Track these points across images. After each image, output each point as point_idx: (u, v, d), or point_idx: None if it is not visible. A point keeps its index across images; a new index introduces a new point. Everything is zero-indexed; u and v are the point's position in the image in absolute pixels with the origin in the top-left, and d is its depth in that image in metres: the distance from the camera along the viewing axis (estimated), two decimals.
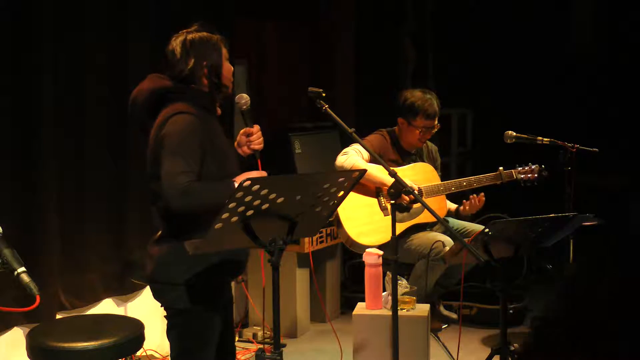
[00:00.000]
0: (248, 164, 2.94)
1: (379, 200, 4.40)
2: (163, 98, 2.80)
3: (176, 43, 2.83)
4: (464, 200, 4.40)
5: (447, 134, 6.67)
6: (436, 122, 4.46)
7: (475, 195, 4.39)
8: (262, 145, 2.96)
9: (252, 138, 2.94)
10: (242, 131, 2.99)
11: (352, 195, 4.30)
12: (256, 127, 2.96)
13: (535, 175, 4.45)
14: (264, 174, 2.80)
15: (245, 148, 2.97)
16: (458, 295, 4.73)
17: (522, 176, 4.45)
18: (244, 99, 2.96)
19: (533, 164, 4.45)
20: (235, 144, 2.99)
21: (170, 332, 2.86)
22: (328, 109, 3.09)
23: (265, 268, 4.59)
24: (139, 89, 2.86)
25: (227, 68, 2.89)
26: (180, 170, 2.63)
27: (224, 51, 2.88)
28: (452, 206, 4.57)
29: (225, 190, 2.67)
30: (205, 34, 2.85)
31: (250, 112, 2.98)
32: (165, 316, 2.86)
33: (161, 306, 2.87)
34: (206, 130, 2.76)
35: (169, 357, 2.91)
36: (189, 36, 2.83)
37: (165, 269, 2.78)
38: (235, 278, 3.05)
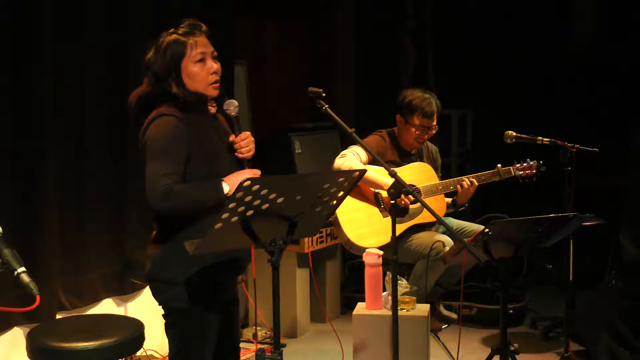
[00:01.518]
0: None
1: (378, 202, 4.40)
2: (153, 101, 2.80)
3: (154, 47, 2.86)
4: (458, 186, 4.41)
5: (447, 134, 6.67)
6: (434, 122, 4.47)
7: (466, 179, 4.40)
8: (250, 154, 2.87)
9: (236, 147, 2.86)
10: (229, 139, 2.91)
11: (350, 198, 4.30)
12: (242, 136, 2.86)
13: (534, 171, 4.46)
14: (257, 172, 2.78)
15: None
16: (458, 295, 4.73)
17: (520, 172, 4.47)
18: (232, 105, 2.89)
19: (531, 160, 4.47)
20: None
21: (168, 331, 2.86)
22: (328, 109, 3.09)
23: (255, 267, 4.56)
24: (132, 94, 2.87)
25: (195, 70, 2.80)
26: (162, 173, 2.64)
27: (190, 51, 2.80)
28: (448, 200, 4.57)
29: (211, 189, 2.68)
30: (172, 36, 2.82)
31: (238, 119, 2.90)
32: (163, 315, 2.87)
33: (159, 304, 2.88)
34: (192, 130, 2.73)
35: (169, 357, 2.91)
36: (160, 40, 2.83)
37: (161, 268, 2.79)
38: (236, 277, 3.04)
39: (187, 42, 2.81)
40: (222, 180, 2.71)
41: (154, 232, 2.84)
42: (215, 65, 2.84)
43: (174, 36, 2.82)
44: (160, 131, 2.70)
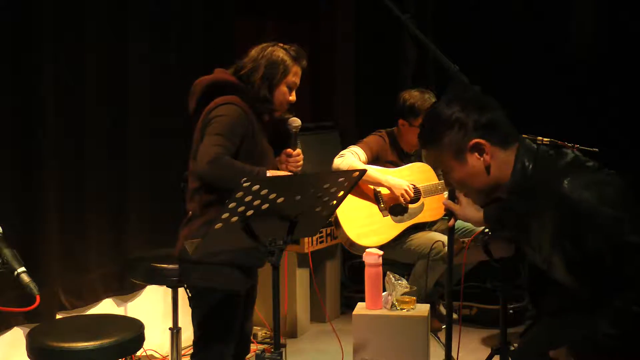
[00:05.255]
0: None
1: (377, 201, 4.40)
2: (220, 89, 3.00)
3: (259, 47, 3.09)
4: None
5: None
6: None
7: None
8: (299, 169, 3.16)
9: (291, 160, 3.14)
10: (284, 150, 3.18)
11: (351, 196, 4.30)
12: (297, 151, 3.16)
13: None
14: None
15: (283, 166, 3.16)
16: (458, 295, 4.73)
17: None
18: (296, 122, 3.17)
19: None
20: (278, 159, 3.17)
21: (194, 312, 2.99)
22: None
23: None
24: (201, 78, 3.07)
25: (283, 91, 3.08)
26: (216, 144, 2.83)
27: (291, 77, 3.09)
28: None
29: (255, 172, 2.86)
30: (285, 54, 3.09)
31: (297, 136, 3.20)
32: (189, 297, 3.00)
33: (186, 288, 3.02)
34: (250, 125, 2.95)
35: (169, 357, 2.92)
36: (271, 47, 3.08)
37: None
38: (262, 265, 3.11)
39: (293, 66, 3.11)
40: (266, 170, 2.92)
41: (189, 213, 2.97)
42: (294, 98, 3.14)
43: (287, 55, 3.09)
44: (226, 113, 2.92)
